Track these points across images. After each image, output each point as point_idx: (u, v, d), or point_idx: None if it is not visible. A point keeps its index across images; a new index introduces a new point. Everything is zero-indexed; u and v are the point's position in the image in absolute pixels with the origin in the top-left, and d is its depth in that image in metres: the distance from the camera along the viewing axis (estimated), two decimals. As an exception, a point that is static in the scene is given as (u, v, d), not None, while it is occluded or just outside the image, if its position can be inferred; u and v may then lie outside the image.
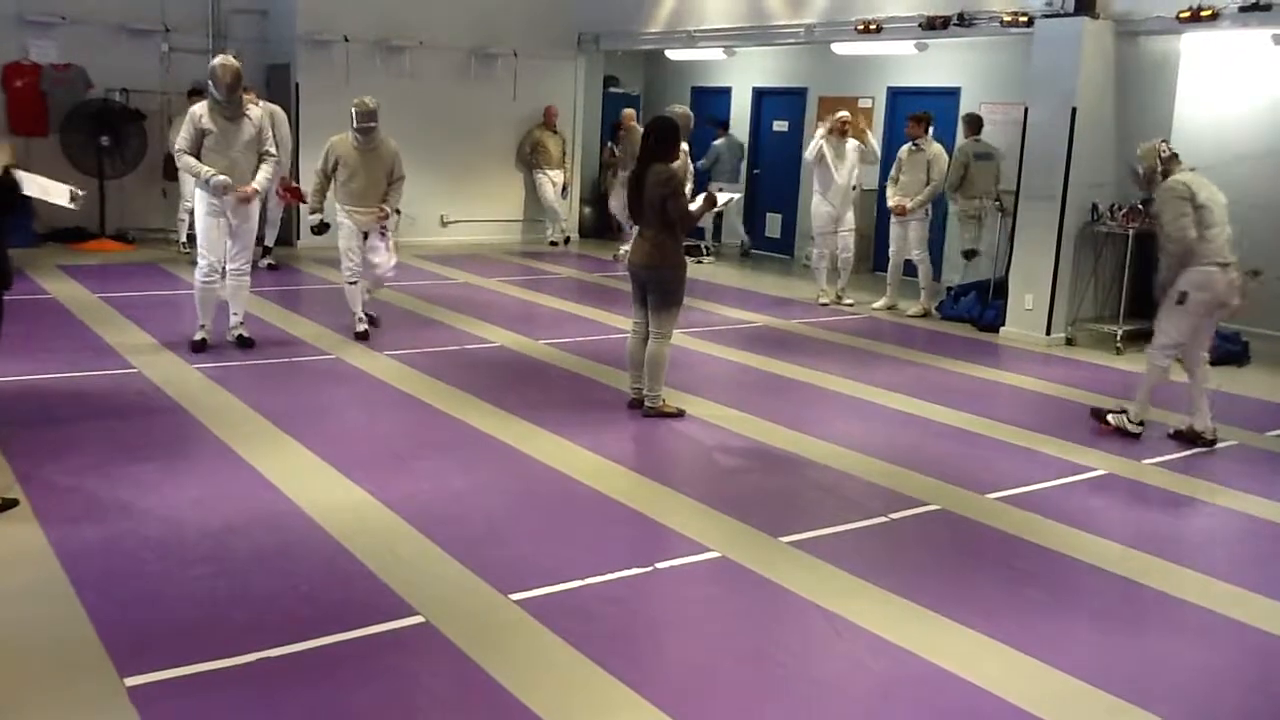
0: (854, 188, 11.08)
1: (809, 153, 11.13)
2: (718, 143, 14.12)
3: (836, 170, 10.93)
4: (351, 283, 8.51)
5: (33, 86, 12.26)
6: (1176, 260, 6.51)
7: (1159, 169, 6.71)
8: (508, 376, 7.78)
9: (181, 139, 7.69)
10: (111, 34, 12.63)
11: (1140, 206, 9.54)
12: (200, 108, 7.69)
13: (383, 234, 8.43)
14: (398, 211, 8.73)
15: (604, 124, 15.95)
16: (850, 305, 11.19)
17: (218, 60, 7.72)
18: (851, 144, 11.05)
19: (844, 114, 11.17)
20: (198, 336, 7.89)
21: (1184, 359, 6.78)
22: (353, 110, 8.17)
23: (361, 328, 8.52)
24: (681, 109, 8.31)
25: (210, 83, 7.64)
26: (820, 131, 11.10)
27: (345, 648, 3.79)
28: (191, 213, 9.18)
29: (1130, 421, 6.82)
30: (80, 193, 6.00)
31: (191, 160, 7.62)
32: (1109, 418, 6.90)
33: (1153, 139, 7.21)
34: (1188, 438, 6.76)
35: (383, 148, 8.30)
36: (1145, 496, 5.95)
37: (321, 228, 8.36)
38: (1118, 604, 4.58)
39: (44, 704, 3.38)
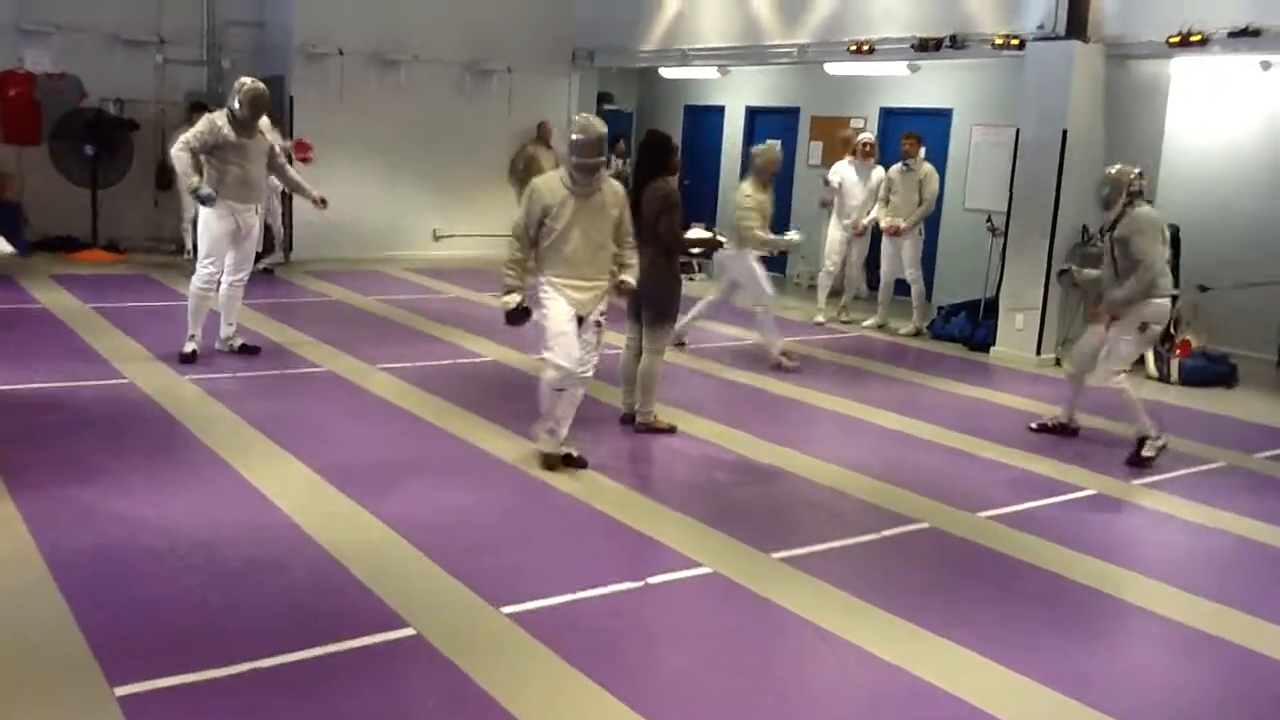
0: (868, 214, 11.01)
1: (832, 175, 11.12)
2: None
3: (853, 194, 10.96)
4: (559, 389, 5.97)
5: (26, 95, 12.24)
6: (1146, 286, 6.75)
7: (1125, 194, 6.83)
8: (499, 391, 7.78)
9: (193, 135, 7.60)
10: (106, 44, 12.63)
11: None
12: (221, 118, 7.67)
13: (598, 324, 6.00)
14: (627, 285, 6.01)
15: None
16: (848, 323, 11.22)
17: (250, 81, 7.73)
18: (877, 171, 11.03)
19: (867, 136, 11.17)
20: (188, 348, 7.86)
21: (1080, 363, 7.28)
22: (574, 137, 5.81)
23: (571, 449, 6.08)
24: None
25: (239, 100, 7.63)
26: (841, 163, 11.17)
27: (336, 659, 3.78)
28: (194, 220, 9.08)
29: (1154, 442, 6.80)
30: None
31: (188, 159, 7.53)
32: (1144, 452, 6.77)
33: (1137, 162, 7.29)
34: (1054, 430, 7.38)
35: (608, 192, 5.91)
36: (1134, 516, 5.98)
37: (520, 315, 5.86)
38: (1106, 622, 4.60)
39: (34, 712, 3.37)
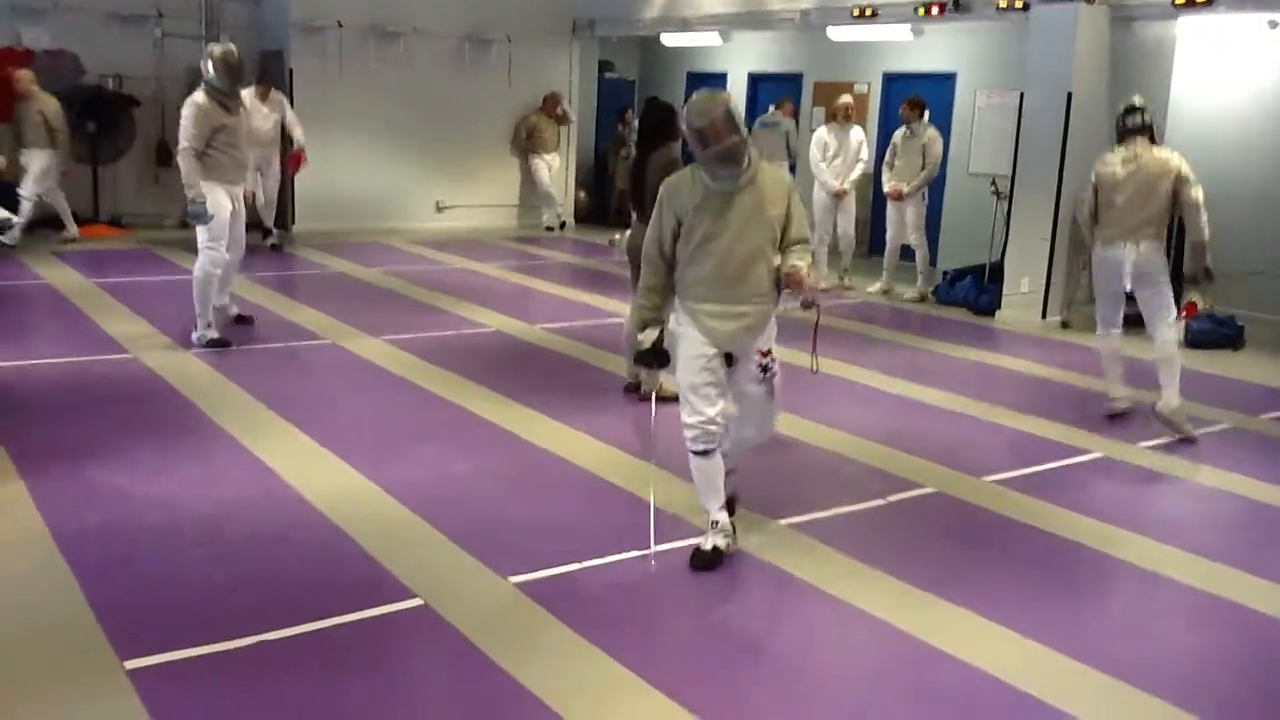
0: (855, 177, 11.07)
1: (813, 148, 11.12)
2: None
3: (837, 157, 10.95)
4: (701, 451, 4.49)
5: (25, 73, 12.19)
6: None
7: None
8: (504, 361, 7.78)
9: (194, 137, 7.22)
10: (104, 20, 12.57)
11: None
12: (204, 100, 7.30)
13: (765, 369, 4.48)
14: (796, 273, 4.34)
15: (599, 110, 15.91)
16: (852, 289, 11.20)
17: (218, 48, 7.42)
18: (855, 131, 11.07)
19: (847, 98, 11.17)
20: (215, 334, 7.59)
21: None
22: (695, 125, 4.22)
23: (721, 539, 4.51)
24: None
25: (213, 70, 7.30)
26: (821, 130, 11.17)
27: (344, 631, 3.80)
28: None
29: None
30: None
31: (195, 166, 7.22)
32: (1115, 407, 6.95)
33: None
34: None
35: (767, 184, 4.38)
36: (1140, 479, 5.97)
37: (657, 356, 4.48)
38: (1113, 585, 4.60)
39: (44, 688, 3.39)
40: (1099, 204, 6.62)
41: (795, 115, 12.54)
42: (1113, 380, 6.94)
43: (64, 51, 12.33)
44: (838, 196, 11.02)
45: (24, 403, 6.26)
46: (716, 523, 4.55)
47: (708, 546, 4.50)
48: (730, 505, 4.69)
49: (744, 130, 4.28)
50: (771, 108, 12.62)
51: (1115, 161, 6.57)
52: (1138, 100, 6.67)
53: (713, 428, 4.44)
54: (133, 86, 12.59)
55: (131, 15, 12.67)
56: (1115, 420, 6.87)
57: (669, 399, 6.77)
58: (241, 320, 8.17)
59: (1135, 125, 6.57)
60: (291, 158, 11.95)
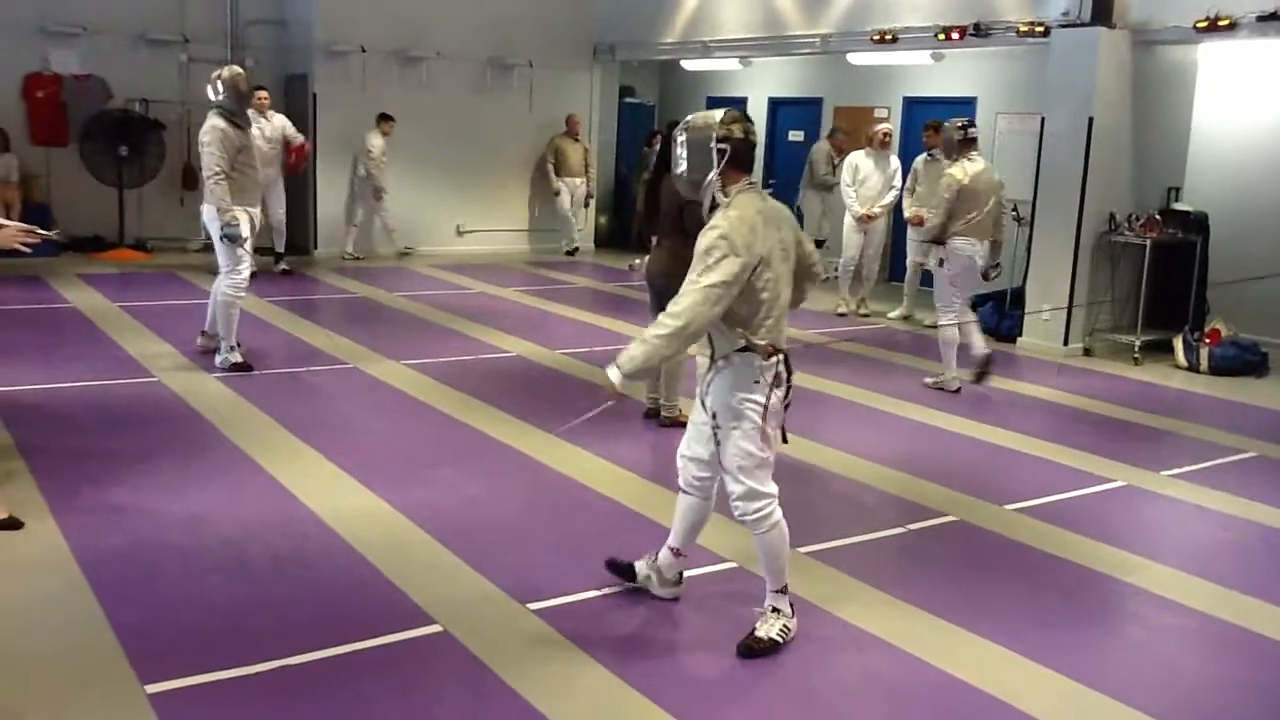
0: (886, 202, 11.08)
1: (845, 173, 11.15)
2: None
3: (869, 183, 10.96)
4: (679, 487, 4.30)
5: (53, 97, 12.36)
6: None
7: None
8: (524, 385, 7.80)
9: (221, 160, 7.27)
10: (131, 45, 12.73)
11: (1158, 217, 9.52)
12: (222, 123, 7.35)
13: (714, 430, 4.15)
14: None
15: (620, 134, 15.98)
16: (867, 316, 11.19)
17: (225, 71, 7.49)
18: (893, 159, 11.07)
19: (885, 126, 11.19)
20: (239, 358, 7.61)
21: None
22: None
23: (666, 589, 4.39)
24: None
25: (224, 92, 7.38)
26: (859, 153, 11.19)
27: (363, 656, 3.80)
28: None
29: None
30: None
31: (226, 189, 7.27)
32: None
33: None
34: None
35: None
36: (1163, 507, 5.93)
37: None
38: (1134, 615, 4.56)
39: (65, 711, 3.40)
40: (954, 207, 7.80)
41: (838, 146, 12.23)
42: (951, 362, 8.08)
43: (92, 76, 12.49)
44: (864, 221, 11.02)
45: (49, 424, 6.31)
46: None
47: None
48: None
49: (691, 162, 4.12)
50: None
51: (975, 171, 7.83)
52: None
53: (697, 472, 4.18)
54: (158, 111, 12.73)
55: (158, 40, 12.82)
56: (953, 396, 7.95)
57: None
58: (206, 336, 8.03)
59: (974, 137, 7.98)
60: (296, 150, 11.94)
